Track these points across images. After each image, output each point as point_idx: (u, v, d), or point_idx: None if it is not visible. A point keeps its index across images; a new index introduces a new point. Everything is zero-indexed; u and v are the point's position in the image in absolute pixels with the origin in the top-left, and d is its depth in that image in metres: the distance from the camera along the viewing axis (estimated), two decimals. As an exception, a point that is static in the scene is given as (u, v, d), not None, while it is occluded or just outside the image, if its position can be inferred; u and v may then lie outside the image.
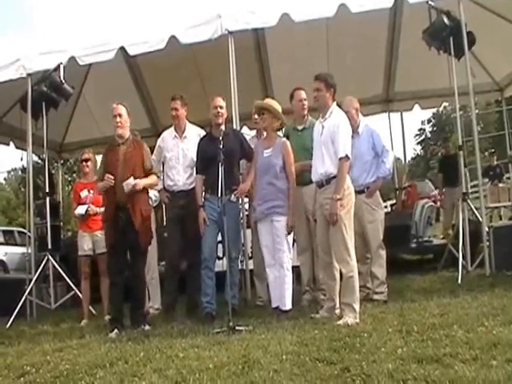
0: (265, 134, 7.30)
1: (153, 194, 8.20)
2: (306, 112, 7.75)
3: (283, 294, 6.66)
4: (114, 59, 9.00)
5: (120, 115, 7.14)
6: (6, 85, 9.29)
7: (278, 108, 7.06)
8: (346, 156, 6.27)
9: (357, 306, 6.12)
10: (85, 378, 4.67)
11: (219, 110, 7.40)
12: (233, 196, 7.13)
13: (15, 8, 78.61)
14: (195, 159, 7.59)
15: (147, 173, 7.16)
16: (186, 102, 7.86)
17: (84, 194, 8.38)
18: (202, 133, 7.86)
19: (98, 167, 8.22)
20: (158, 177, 7.46)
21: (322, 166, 6.41)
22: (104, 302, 8.14)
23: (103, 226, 7.48)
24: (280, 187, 6.81)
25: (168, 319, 7.30)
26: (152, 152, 7.81)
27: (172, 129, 7.97)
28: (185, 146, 7.80)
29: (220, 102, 7.46)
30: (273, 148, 6.92)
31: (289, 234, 6.84)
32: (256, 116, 7.61)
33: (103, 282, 8.00)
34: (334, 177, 6.29)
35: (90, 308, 8.44)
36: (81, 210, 8.34)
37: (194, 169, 7.65)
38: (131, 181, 6.89)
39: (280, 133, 7.42)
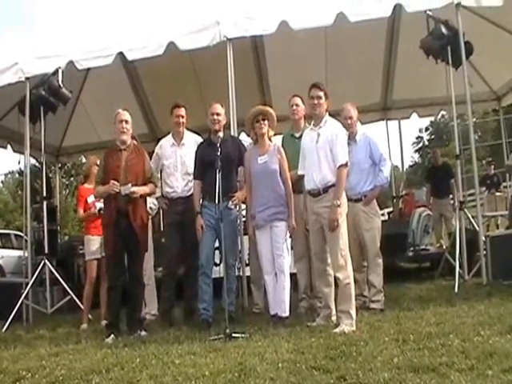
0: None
1: (151, 202, 8.20)
2: (296, 117, 7.69)
3: (282, 300, 6.66)
4: (112, 64, 9.02)
5: (126, 121, 7.17)
6: (4, 88, 9.30)
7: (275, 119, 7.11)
8: (346, 163, 6.35)
9: (353, 313, 6.14)
10: (80, 384, 4.68)
11: (215, 117, 7.37)
12: (230, 203, 7.14)
13: (15, 8, 78.45)
14: (192, 166, 7.61)
15: (147, 181, 7.18)
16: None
17: (91, 199, 8.24)
18: (200, 140, 7.87)
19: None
20: (156, 186, 7.48)
21: (319, 173, 6.43)
22: (102, 307, 8.10)
23: (103, 231, 7.42)
24: (280, 193, 6.84)
25: (164, 325, 7.30)
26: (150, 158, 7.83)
27: (170, 136, 8.01)
28: (183, 153, 7.84)
29: (217, 109, 7.43)
30: (268, 154, 6.94)
31: (291, 236, 6.89)
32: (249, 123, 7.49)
33: (104, 287, 7.94)
34: (332, 185, 6.33)
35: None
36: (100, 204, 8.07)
37: (192, 175, 7.66)
38: (129, 186, 6.90)
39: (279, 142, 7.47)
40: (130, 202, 6.93)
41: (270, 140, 7.11)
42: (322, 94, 6.54)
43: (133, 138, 8.13)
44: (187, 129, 8.04)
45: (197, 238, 7.21)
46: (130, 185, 6.89)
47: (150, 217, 8.31)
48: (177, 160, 7.82)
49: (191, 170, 7.63)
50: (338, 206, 6.23)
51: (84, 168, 9.07)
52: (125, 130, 7.15)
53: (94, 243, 8.27)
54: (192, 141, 7.89)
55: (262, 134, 6.99)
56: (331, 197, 6.29)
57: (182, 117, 7.87)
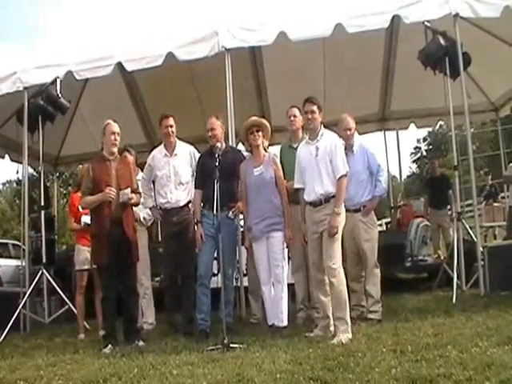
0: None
1: (146, 213, 8.22)
2: (294, 128, 7.72)
3: (280, 310, 6.69)
4: (110, 74, 9.03)
5: (118, 133, 7.18)
6: (2, 97, 9.32)
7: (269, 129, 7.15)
8: (346, 173, 6.43)
9: (348, 319, 6.21)
10: (78, 395, 4.67)
11: (210, 133, 7.36)
12: (230, 213, 7.14)
13: (13, 18, 78.78)
14: (186, 175, 7.73)
15: (134, 190, 7.21)
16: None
17: None
18: (193, 149, 7.93)
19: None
20: (141, 196, 7.48)
21: (321, 186, 6.46)
22: (99, 317, 8.07)
23: (92, 242, 7.37)
24: (276, 203, 6.88)
25: (170, 331, 7.39)
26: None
27: (162, 147, 7.98)
28: (176, 164, 7.82)
29: (212, 124, 7.41)
30: (263, 165, 6.97)
31: (287, 246, 6.91)
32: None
33: (98, 297, 7.92)
34: (333, 196, 6.39)
35: (84, 323, 8.39)
36: (88, 219, 8.11)
37: (186, 185, 7.74)
38: (128, 192, 6.91)
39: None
40: (123, 211, 6.96)
41: (265, 150, 7.13)
42: (315, 108, 6.59)
43: (130, 146, 8.21)
44: (180, 139, 8.04)
45: (193, 247, 7.25)
46: (128, 190, 6.90)
47: (145, 227, 8.38)
48: (170, 171, 7.79)
49: (184, 180, 7.72)
50: (339, 214, 6.30)
51: (78, 176, 9.07)
52: (116, 142, 7.17)
53: (83, 253, 8.25)
54: (186, 151, 7.90)
55: (256, 145, 7.02)
56: (332, 206, 6.36)
57: (172, 126, 7.83)
